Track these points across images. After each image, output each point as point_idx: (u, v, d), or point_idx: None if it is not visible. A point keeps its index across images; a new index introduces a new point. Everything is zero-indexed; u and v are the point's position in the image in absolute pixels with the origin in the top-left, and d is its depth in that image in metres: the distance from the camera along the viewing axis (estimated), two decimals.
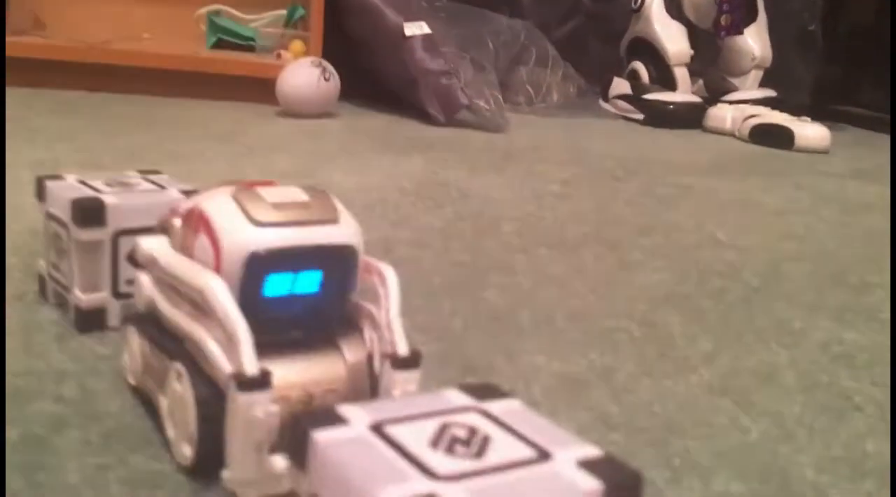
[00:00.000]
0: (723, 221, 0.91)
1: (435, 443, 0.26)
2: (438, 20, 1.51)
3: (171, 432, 0.38)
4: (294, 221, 0.36)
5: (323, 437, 0.26)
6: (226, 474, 0.33)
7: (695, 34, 1.72)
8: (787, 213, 1.00)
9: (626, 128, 1.63)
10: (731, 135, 1.59)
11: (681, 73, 1.69)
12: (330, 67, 1.38)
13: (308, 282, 0.37)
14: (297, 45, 1.55)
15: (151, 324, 0.41)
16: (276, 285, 0.36)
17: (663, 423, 0.46)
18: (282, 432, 0.33)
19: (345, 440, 0.26)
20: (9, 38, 1.36)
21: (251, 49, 1.58)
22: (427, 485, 0.24)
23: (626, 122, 1.69)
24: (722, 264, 0.75)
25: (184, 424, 0.36)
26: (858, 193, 1.16)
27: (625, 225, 0.87)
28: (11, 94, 1.27)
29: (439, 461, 0.25)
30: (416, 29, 1.43)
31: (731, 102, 1.66)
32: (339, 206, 0.38)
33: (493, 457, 0.25)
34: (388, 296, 0.38)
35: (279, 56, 1.53)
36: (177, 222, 0.40)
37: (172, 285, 0.39)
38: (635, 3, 1.73)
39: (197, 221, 0.37)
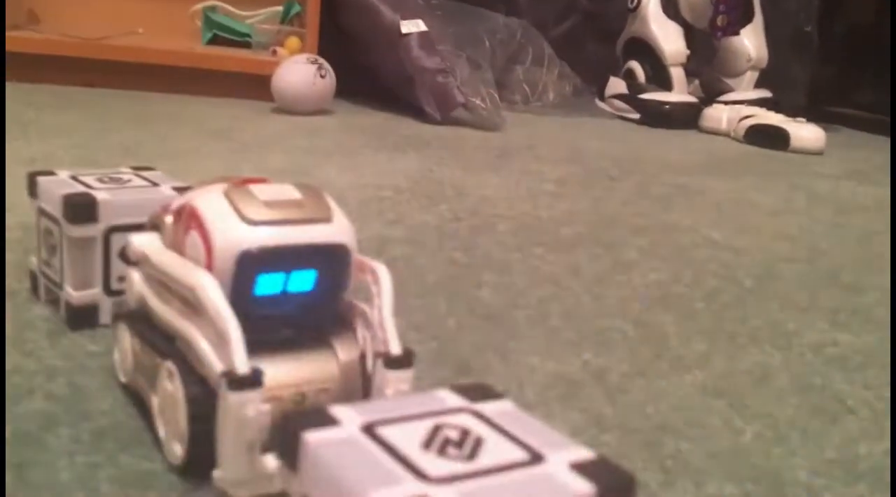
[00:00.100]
0: (717, 222, 0.91)
1: (427, 444, 0.26)
2: (435, 18, 1.50)
3: (162, 431, 0.37)
4: (286, 220, 0.36)
5: (314, 437, 0.26)
6: (217, 473, 0.33)
7: (691, 34, 1.72)
8: (781, 213, 1.00)
9: (621, 127, 1.63)
10: (727, 135, 1.60)
11: (677, 73, 1.69)
12: (326, 64, 1.38)
13: (300, 280, 0.36)
14: (293, 41, 1.55)
15: (142, 321, 0.40)
16: (268, 284, 0.36)
17: (657, 425, 0.45)
18: (273, 431, 0.32)
19: (336, 441, 0.26)
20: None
21: (247, 45, 1.58)
22: (419, 487, 0.23)
23: (622, 121, 1.69)
24: (716, 264, 0.75)
25: (175, 423, 0.36)
26: (853, 194, 1.16)
27: (620, 224, 0.86)
28: (6, 89, 1.27)
29: (431, 463, 0.25)
30: (412, 26, 1.43)
31: (726, 103, 1.66)
32: (333, 205, 0.38)
33: (485, 459, 0.25)
34: (381, 294, 0.38)
35: (275, 53, 1.52)
36: (168, 219, 0.40)
37: (163, 282, 0.38)
38: (632, 2, 1.73)
39: (188, 219, 0.37)
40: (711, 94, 1.74)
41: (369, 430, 0.26)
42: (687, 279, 0.71)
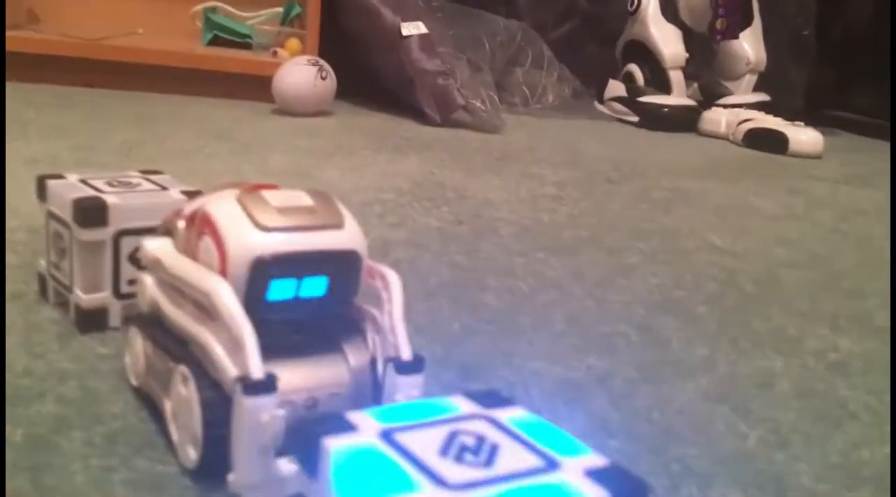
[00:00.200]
0: (718, 226, 0.92)
1: (444, 451, 0.26)
2: (435, 20, 1.51)
3: (175, 435, 0.38)
4: (299, 226, 0.36)
5: (334, 444, 0.26)
6: (231, 478, 0.34)
7: (690, 38, 1.72)
8: (780, 217, 1.01)
9: (620, 130, 1.63)
10: (726, 138, 1.60)
11: (676, 77, 1.70)
12: (326, 66, 1.38)
13: (312, 286, 0.37)
14: (294, 43, 1.55)
15: (154, 325, 0.41)
16: (281, 289, 0.36)
17: (662, 430, 0.46)
18: (286, 436, 0.33)
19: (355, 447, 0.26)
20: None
21: (247, 46, 1.58)
22: (438, 494, 0.24)
23: (620, 124, 1.70)
24: (717, 269, 0.76)
25: (189, 427, 0.36)
26: (851, 199, 1.16)
27: (621, 228, 0.87)
28: (6, 89, 1.27)
29: (449, 469, 0.25)
30: (412, 29, 1.44)
31: (725, 106, 1.67)
32: (344, 211, 0.38)
33: (501, 465, 0.26)
34: (391, 299, 0.38)
35: (275, 54, 1.52)
36: (180, 224, 0.40)
37: (176, 287, 0.39)
38: (631, 5, 1.74)
39: (202, 224, 0.37)
40: (710, 97, 1.74)
41: (387, 436, 0.27)
42: (688, 284, 0.71)
